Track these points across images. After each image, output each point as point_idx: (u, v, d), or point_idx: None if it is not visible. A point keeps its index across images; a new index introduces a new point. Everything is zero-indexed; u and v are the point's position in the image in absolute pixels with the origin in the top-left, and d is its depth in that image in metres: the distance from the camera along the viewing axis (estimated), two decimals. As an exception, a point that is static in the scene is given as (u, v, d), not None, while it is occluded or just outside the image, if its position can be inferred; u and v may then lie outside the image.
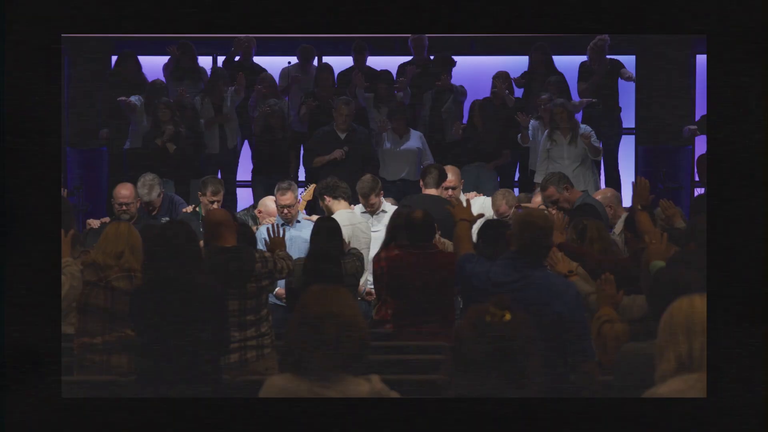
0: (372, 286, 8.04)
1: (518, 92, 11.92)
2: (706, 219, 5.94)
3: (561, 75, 11.78)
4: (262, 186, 11.10)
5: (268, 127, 11.22)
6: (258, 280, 6.40)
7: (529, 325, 3.52)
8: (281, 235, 6.95)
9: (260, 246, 8.34)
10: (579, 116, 11.79)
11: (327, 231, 7.35)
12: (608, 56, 11.78)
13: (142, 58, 12.04)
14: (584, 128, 10.71)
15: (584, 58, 12.01)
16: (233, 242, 6.41)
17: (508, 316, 3.48)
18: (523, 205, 9.15)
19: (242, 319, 6.32)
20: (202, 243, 7.00)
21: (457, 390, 3.49)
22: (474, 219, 5.94)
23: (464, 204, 6.07)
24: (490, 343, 3.45)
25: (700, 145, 11.96)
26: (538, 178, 10.77)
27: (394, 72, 11.91)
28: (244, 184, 12.12)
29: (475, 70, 12.49)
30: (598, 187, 10.31)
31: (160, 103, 10.91)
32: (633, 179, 11.24)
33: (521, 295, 4.98)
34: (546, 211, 8.06)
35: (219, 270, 6.26)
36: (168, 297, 5.44)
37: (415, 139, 11.12)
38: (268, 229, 7.12)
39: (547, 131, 10.75)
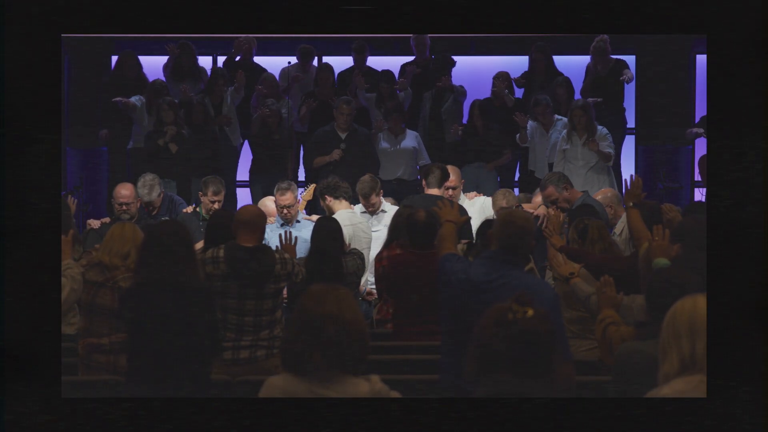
0: (372, 286, 8.04)
1: (518, 92, 11.91)
2: (698, 220, 5.95)
3: (562, 75, 11.78)
4: (259, 186, 11.10)
5: (265, 127, 11.22)
6: (277, 281, 6.39)
7: (549, 320, 3.53)
8: (293, 243, 6.92)
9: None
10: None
11: (328, 231, 7.34)
12: (613, 56, 11.77)
13: (142, 58, 12.03)
14: (601, 130, 10.65)
15: (584, 58, 12.01)
16: (254, 242, 6.38)
17: (531, 312, 3.49)
18: (525, 205, 9.15)
19: (258, 319, 6.30)
20: (201, 243, 7.01)
21: (484, 390, 3.49)
22: (459, 221, 5.94)
23: (453, 205, 6.07)
24: (515, 340, 3.45)
25: (700, 146, 11.95)
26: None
27: (395, 71, 11.90)
28: (244, 184, 12.12)
29: (475, 70, 12.49)
30: (615, 190, 10.25)
31: (164, 104, 10.90)
32: (626, 179, 11.26)
33: (499, 294, 4.96)
34: (530, 212, 8.07)
35: (239, 269, 6.26)
36: (159, 297, 5.42)
37: (411, 139, 11.12)
38: (280, 235, 7.09)
39: (565, 131, 10.70)
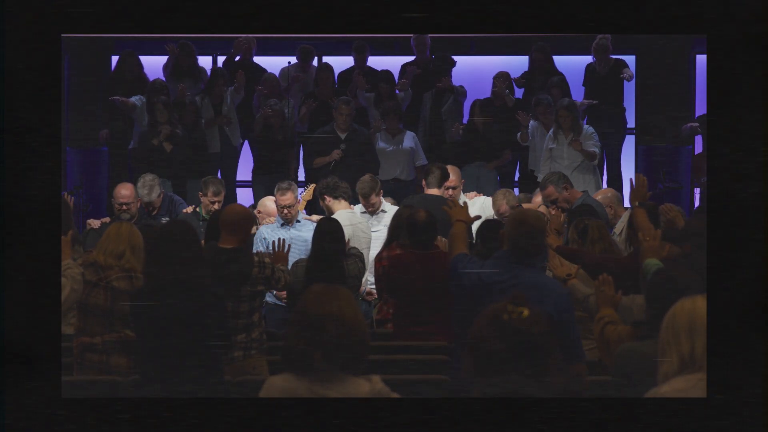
0: (372, 286, 8.04)
1: (518, 92, 11.92)
2: (705, 219, 5.94)
3: (561, 75, 11.79)
4: (262, 186, 11.10)
5: (268, 127, 11.23)
6: (254, 284, 6.37)
7: (547, 321, 3.52)
8: (285, 251, 6.91)
9: (259, 245, 8.34)
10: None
11: (330, 232, 7.32)
12: (612, 56, 11.79)
13: (142, 58, 12.03)
14: (587, 129, 10.69)
15: (584, 58, 12.02)
16: (235, 243, 6.37)
17: (526, 313, 3.48)
18: (525, 205, 9.15)
19: (234, 321, 6.27)
20: (201, 243, 7.01)
21: (479, 390, 3.49)
22: (471, 220, 5.94)
23: (462, 205, 6.07)
24: (510, 341, 3.45)
25: (700, 145, 11.97)
26: (541, 177, 10.79)
27: (395, 72, 11.91)
28: (244, 184, 12.12)
29: (475, 70, 12.49)
30: (599, 189, 10.31)
31: (158, 103, 10.90)
32: (632, 178, 11.28)
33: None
34: (541, 212, 8.07)
35: (216, 270, 6.24)
36: (169, 298, 5.42)
37: (408, 139, 11.16)
38: (274, 242, 7.07)
39: (551, 131, 10.75)
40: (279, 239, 7.12)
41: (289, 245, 7.04)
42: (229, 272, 6.27)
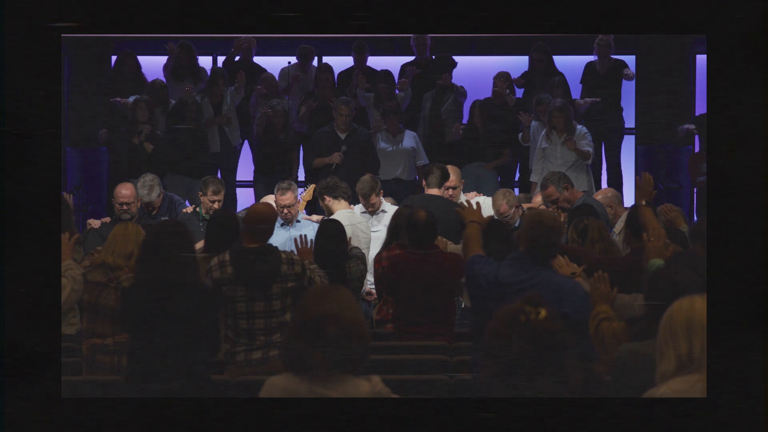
0: (372, 286, 8.04)
1: (518, 92, 11.93)
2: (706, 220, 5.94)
3: (561, 75, 11.79)
4: (263, 186, 11.10)
5: (270, 127, 11.22)
6: (284, 281, 6.33)
7: (563, 320, 3.51)
8: (309, 247, 6.85)
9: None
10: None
11: (332, 234, 7.31)
12: (612, 56, 11.80)
13: (142, 58, 12.04)
14: (580, 129, 10.70)
15: (584, 58, 12.01)
16: (260, 242, 6.33)
17: (543, 313, 3.47)
18: (525, 205, 9.14)
19: (268, 321, 6.25)
20: (201, 243, 7.00)
21: (499, 392, 3.48)
22: (484, 221, 5.94)
23: (473, 206, 6.06)
24: (527, 341, 3.44)
25: (699, 145, 11.98)
26: (533, 177, 10.82)
27: (395, 72, 11.91)
28: (243, 184, 12.12)
29: (475, 70, 12.49)
30: (591, 189, 10.32)
31: (140, 101, 10.90)
32: (633, 178, 11.30)
33: None
34: (556, 212, 8.07)
35: (245, 270, 6.22)
36: (159, 297, 5.41)
37: (409, 139, 11.16)
38: (295, 239, 7.06)
39: (545, 131, 10.79)
40: (301, 236, 7.04)
41: (311, 240, 6.97)
42: (259, 271, 6.24)
